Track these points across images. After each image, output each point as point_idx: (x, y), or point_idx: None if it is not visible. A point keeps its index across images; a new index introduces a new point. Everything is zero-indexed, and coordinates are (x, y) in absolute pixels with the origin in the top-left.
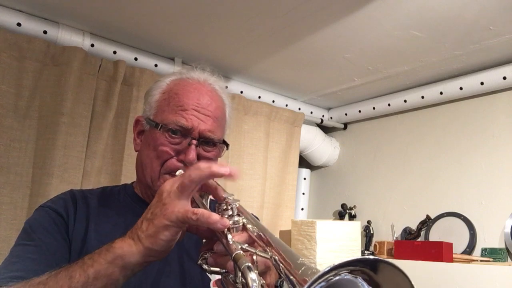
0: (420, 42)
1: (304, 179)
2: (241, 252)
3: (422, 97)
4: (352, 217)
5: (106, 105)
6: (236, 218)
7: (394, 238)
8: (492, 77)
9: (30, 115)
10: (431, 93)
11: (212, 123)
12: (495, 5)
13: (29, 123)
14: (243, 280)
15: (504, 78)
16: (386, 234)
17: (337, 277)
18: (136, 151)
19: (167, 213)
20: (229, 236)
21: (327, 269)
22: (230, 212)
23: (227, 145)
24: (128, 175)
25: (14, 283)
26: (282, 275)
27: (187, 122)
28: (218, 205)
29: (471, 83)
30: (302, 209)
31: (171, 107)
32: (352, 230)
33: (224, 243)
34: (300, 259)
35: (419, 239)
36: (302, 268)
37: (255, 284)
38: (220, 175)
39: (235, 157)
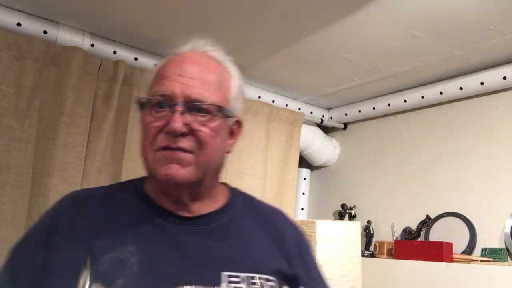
0: (420, 42)
1: (304, 179)
2: None
3: (422, 97)
4: (352, 217)
5: (106, 105)
6: None
7: (394, 238)
8: (492, 77)
9: (30, 115)
10: (431, 93)
11: (199, 85)
12: (495, 5)
13: (29, 123)
14: None
15: (504, 78)
16: (386, 234)
17: None
18: None
19: None
20: None
21: None
22: None
23: (234, 116)
24: (128, 175)
25: None
26: None
27: (167, 88)
28: None
29: (471, 83)
30: (302, 209)
31: (155, 82)
32: (352, 230)
33: None
34: None
35: (419, 239)
36: None
37: None
38: None
39: (235, 157)
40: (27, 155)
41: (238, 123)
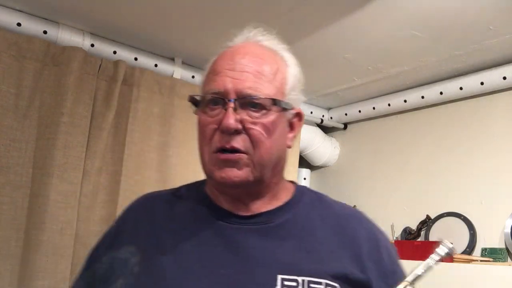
0: (420, 42)
1: (304, 179)
2: None
3: (422, 97)
4: None
5: (106, 105)
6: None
7: (394, 238)
8: (492, 77)
9: (30, 115)
10: (431, 93)
11: (251, 78)
12: (495, 5)
13: (29, 123)
14: None
15: (504, 78)
16: (386, 234)
17: None
18: None
19: None
20: None
21: None
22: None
23: (293, 108)
24: (128, 175)
25: None
26: None
27: (219, 85)
28: None
29: (471, 83)
30: None
31: (207, 78)
32: None
33: None
34: None
35: (419, 239)
36: None
37: None
38: None
39: None
40: (27, 155)
41: (299, 115)
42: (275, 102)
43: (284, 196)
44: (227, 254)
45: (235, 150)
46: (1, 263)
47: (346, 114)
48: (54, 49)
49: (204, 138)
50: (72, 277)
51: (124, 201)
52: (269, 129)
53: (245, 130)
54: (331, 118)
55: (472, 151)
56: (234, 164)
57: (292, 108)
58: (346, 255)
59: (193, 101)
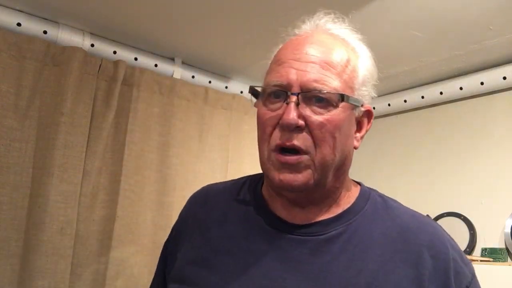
0: (420, 42)
1: None
2: None
3: (422, 97)
4: None
5: (106, 105)
6: None
7: None
8: (492, 77)
9: (30, 115)
10: (431, 93)
11: (318, 70)
12: (495, 5)
13: (29, 123)
14: None
15: (504, 78)
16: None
17: None
18: None
19: None
20: None
21: None
22: None
23: (362, 104)
24: (128, 175)
25: None
26: None
27: (282, 76)
28: None
29: (471, 83)
30: None
31: (271, 69)
32: None
33: None
34: None
35: None
36: None
37: None
38: None
39: (235, 157)
40: (27, 155)
41: (368, 113)
42: (343, 97)
43: (346, 203)
44: (275, 264)
45: (295, 150)
46: (1, 263)
47: None
48: (54, 49)
49: (263, 133)
50: (72, 277)
51: (124, 201)
52: (335, 126)
53: (308, 127)
54: None
55: (472, 151)
56: (293, 166)
57: (362, 105)
58: (406, 277)
59: (254, 92)
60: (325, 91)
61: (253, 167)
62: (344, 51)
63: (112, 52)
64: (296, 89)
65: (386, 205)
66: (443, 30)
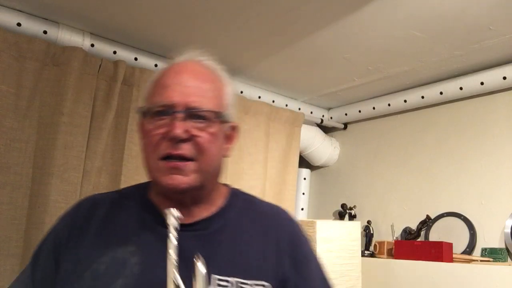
0: (420, 42)
1: (304, 179)
2: None
3: (422, 97)
4: (352, 217)
5: (106, 105)
6: None
7: (394, 238)
8: (492, 77)
9: (30, 115)
10: (431, 93)
11: (197, 93)
12: (495, 5)
13: (29, 123)
14: None
15: (504, 78)
16: (386, 234)
17: None
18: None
19: None
20: None
21: None
22: None
23: (230, 121)
24: (128, 175)
25: None
26: None
27: (168, 98)
28: None
29: (471, 83)
30: (302, 209)
31: (155, 91)
32: (352, 230)
33: None
34: None
35: (419, 239)
36: None
37: None
38: None
39: (235, 157)
40: (27, 155)
41: (234, 128)
42: (217, 114)
43: (219, 201)
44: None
45: (182, 158)
46: (1, 263)
47: (346, 114)
48: (54, 49)
49: (149, 145)
50: None
51: None
52: (213, 137)
53: (192, 138)
54: (331, 118)
55: (472, 151)
56: (181, 171)
57: (230, 122)
58: (274, 255)
59: (142, 112)
60: (204, 109)
61: (253, 166)
62: (216, 79)
63: (112, 52)
64: (180, 108)
65: (249, 200)
66: (443, 30)
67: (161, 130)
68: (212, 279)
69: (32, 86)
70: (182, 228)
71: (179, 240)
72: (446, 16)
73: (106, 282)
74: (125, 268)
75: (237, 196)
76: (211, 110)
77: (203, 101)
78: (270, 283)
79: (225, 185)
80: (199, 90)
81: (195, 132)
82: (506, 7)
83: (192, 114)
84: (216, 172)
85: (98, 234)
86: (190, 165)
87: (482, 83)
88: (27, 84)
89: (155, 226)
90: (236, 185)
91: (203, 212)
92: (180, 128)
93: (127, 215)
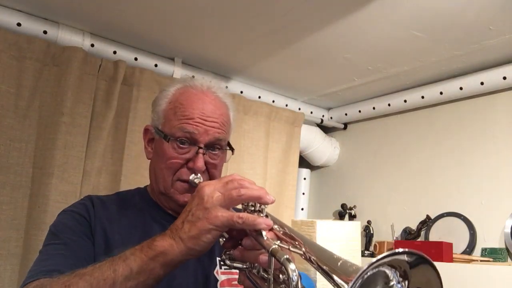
0: (420, 42)
1: (304, 179)
2: (277, 246)
3: (422, 97)
4: (352, 217)
5: (106, 105)
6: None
7: (394, 238)
8: (492, 77)
9: (30, 115)
10: (431, 93)
11: (217, 130)
12: (495, 5)
13: (29, 123)
14: (284, 271)
15: (504, 78)
16: (386, 234)
17: (374, 270)
18: (148, 159)
19: (211, 218)
20: (264, 233)
21: (376, 260)
22: (261, 214)
23: (233, 150)
24: (128, 175)
25: (49, 276)
26: (319, 271)
27: (194, 132)
28: (245, 205)
29: (471, 83)
30: (302, 209)
31: (177, 117)
32: (352, 230)
33: (259, 240)
34: (332, 255)
35: (419, 239)
36: (339, 263)
37: (295, 273)
38: (265, 202)
39: (235, 157)
40: (27, 155)
41: (230, 147)
42: (228, 143)
43: None
44: None
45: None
46: (1, 263)
47: (346, 114)
48: (54, 49)
49: (169, 168)
50: None
51: None
52: (221, 163)
53: (208, 170)
54: (331, 118)
55: (472, 151)
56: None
57: (232, 147)
58: None
59: (163, 136)
60: (222, 143)
61: (253, 166)
62: (227, 109)
63: (112, 52)
64: (202, 142)
65: None
66: (443, 30)
67: (183, 158)
68: (217, 261)
69: (32, 86)
70: None
71: None
72: (446, 16)
73: None
74: None
75: None
76: (225, 140)
77: (222, 135)
78: None
79: None
80: (219, 124)
81: (210, 165)
82: (506, 7)
83: (212, 148)
84: None
85: (116, 224)
86: None
87: (482, 83)
88: (27, 84)
89: (161, 220)
90: None
91: None
92: (201, 162)
93: (137, 210)
